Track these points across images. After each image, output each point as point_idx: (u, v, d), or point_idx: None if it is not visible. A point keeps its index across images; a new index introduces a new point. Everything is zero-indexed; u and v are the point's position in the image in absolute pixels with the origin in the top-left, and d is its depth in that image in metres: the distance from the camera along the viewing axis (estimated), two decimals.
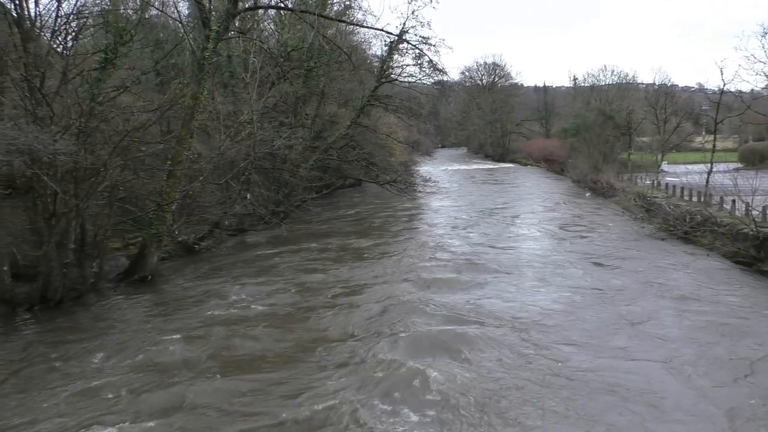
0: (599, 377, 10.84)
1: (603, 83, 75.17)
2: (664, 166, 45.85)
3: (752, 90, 44.93)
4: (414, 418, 9.49)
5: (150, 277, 17.91)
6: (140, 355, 12.19)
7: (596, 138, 46.19)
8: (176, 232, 20.44)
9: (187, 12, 29.81)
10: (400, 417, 9.52)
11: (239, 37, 26.60)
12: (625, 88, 68.74)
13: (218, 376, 11.23)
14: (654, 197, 29.36)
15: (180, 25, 26.32)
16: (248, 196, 24.12)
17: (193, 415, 9.68)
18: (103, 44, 16.45)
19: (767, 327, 13.37)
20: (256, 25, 30.34)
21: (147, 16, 24.83)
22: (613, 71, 74.94)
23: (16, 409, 9.85)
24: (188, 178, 19.69)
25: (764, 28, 42.31)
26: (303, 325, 14.18)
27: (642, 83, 71.37)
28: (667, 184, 32.91)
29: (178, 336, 13.27)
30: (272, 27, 34.12)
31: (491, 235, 26.12)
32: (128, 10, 25.02)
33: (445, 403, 9.82)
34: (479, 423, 9.32)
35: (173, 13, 27.49)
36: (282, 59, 29.36)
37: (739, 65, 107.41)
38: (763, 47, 46.30)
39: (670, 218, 24.16)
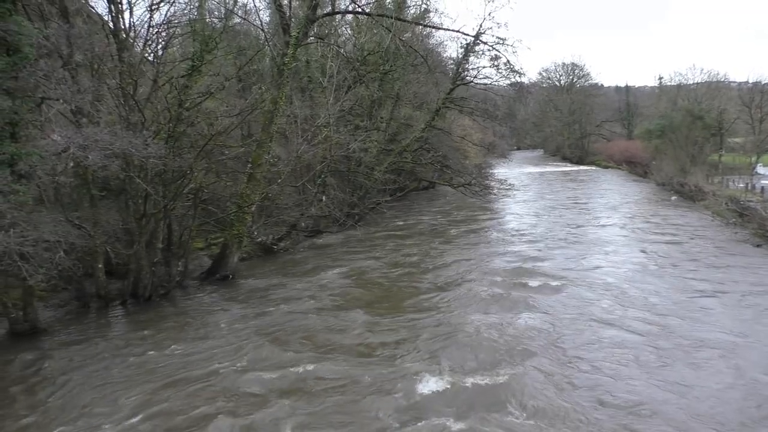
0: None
1: (691, 82, 71.29)
2: (759, 169, 42.99)
3: None
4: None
5: (231, 276, 18.53)
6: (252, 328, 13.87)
7: (683, 139, 43.84)
8: (255, 233, 21.03)
9: (268, 19, 30.66)
10: None
11: (317, 42, 27.07)
12: (716, 87, 64.88)
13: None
14: (748, 201, 27.53)
15: (261, 32, 27.06)
16: (324, 198, 24.53)
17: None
18: (191, 52, 17.19)
19: None
20: (333, 30, 30.82)
21: (230, 24, 25.71)
22: (702, 69, 71.14)
23: (172, 359, 12.14)
24: (267, 180, 20.22)
25: None
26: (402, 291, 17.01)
27: (734, 81, 67.25)
28: (762, 188, 30.88)
29: (294, 301, 15.88)
30: (349, 32, 34.52)
31: (574, 232, 26.14)
32: (213, 19, 26.00)
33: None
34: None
35: (255, 20, 28.32)
36: (358, 63, 29.65)
37: None
38: None
39: (766, 223, 22.63)
